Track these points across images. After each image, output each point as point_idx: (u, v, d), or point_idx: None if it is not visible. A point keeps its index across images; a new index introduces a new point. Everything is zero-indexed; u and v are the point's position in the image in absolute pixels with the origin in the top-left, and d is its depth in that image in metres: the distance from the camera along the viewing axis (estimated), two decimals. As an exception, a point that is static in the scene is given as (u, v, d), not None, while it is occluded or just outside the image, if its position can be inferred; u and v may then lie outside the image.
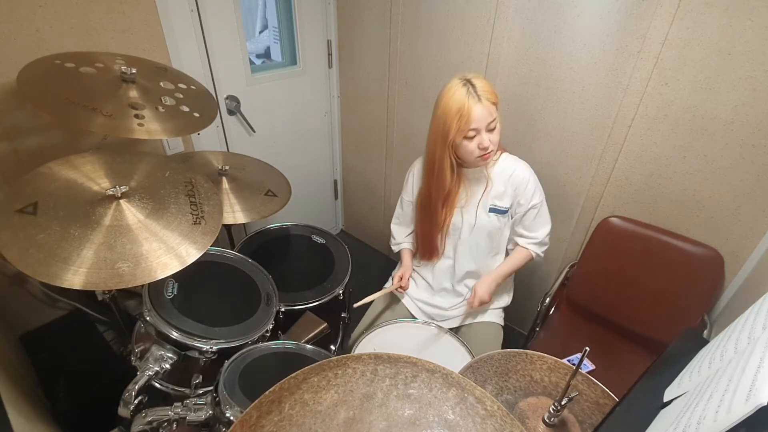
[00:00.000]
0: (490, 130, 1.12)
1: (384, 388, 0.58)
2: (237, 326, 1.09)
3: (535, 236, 1.31)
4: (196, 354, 1.02)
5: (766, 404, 0.39)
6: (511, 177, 1.24)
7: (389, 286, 1.45)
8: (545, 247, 1.35)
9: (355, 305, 1.37)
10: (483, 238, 1.31)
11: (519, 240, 1.34)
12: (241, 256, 1.29)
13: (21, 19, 1.17)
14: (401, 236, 1.49)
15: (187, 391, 1.02)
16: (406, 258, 1.46)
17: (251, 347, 1.04)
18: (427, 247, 1.38)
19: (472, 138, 1.12)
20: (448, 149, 1.15)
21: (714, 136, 1.20)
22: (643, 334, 1.41)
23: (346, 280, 1.44)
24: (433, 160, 1.19)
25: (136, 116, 1.07)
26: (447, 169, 1.18)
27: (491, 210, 1.27)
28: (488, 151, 1.13)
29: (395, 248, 1.51)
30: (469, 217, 1.28)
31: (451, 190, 1.25)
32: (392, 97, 1.98)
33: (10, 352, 1.27)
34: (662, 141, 1.29)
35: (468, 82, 1.09)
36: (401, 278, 1.40)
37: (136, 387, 0.95)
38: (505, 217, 1.29)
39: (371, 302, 1.40)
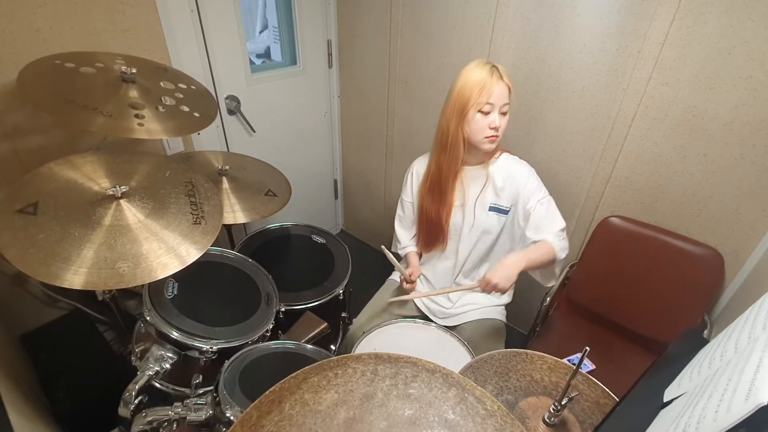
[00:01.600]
0: (503, 114, 1.13)
1: (384, 388, 0.58)
2: (237, 326, 1.09)
3: (553, 227, 1.20)
4: (196, 354, 1.02)
5: (765, 404, 0.39)
6: (510, 176, 1.24)
7: (402, 269, 1.40)
8: (566, 243, 1.21)
9: (384, 248, 1.30)
10: (483, 237, 1.31)
11: (538, 236, 1.20)
12: (241, 256, 1.29)
13: (21, 19, 1.17)
14: (406, 239, 1.48)
15: (187, 391, 1.02)
16: (414, 260, 1.44)
17: (251, 347, 1.04)
18: (432, 234, 1.35)
19: (486, 114, 1.12)
20: (463, 121, 1.15)
21: (714, 136, 1.20)
22: (644, 334, 1.41)
23: (346, 280, 1.44)
24: (447, 135, 1.19)
25: (136, 116, 1.07)
26: (461, 142, 1.18)
27: (491, 209, 1.27)
28: (497, 132, 1.13)
29: (401, 252, 1.49)
30: (469, 216, 1.28)
31: (458, 173, 1.24)
32: (392, 97, 1.98)
33: (10, 353, 1.27)
34: (662, 141, 1.29)
35: (492, 65, 1.12)
36: (411, 274, 1.36)
37: (137, 387, 0.95)
38: (507, 218, 1.28)
39: (389, 261, 1.33)
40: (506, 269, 1.11)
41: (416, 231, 1.45)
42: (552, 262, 1.20)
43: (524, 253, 1.16)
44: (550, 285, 1.33)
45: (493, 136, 1.14)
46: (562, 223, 1.22)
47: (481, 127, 1.13)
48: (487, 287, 1.12)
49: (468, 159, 1.25)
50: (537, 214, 1.22)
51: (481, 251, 1.34)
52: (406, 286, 1.39)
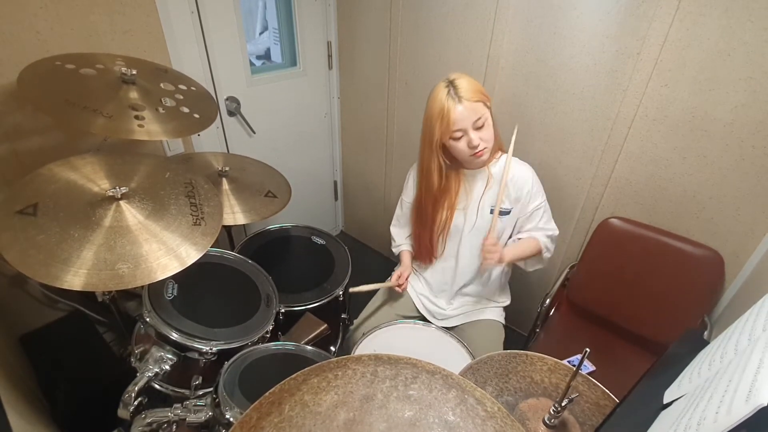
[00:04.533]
0: (478, 128, 1.12)
1: (384, 390, 0.58)
2: (237, 327, 1.09)
3: (547, 229, 1.30)
4: (195, 355, 1.02)
5: (766, 405, 0.39)
6: (513, 178, 1.24)
7: (385, 284, 1.46)
8: (553, 247, 1.33)
9: (352, 289, 1.37)
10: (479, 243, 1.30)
11: (531, 232, 1.29)
12: (241, 257, 1.29)
13: (22, 20, 1.18)
14: (401, 238, 1.49)
15: (186, 392, 1.02)
16: (406, 259, 1.46)
17: (251, 348, 1.04)
18: (422, 249, 1.39)
19: (459, 138, 1.12)
20: (435, 151, 1.16)
21: (714, 137, 1.20)
22: (644, 335, 1.41)
23: (346, 281, 1.44)
24: (422, 162, 1.22)
25: (137, 117, 1.07)
26: (434, 171, 1.19)
27: (492, 212, 1.26)
28: (479, 149, 1.13)
29: (395, 250, 1.51)
30: (471, 218, 1.28)
31: (443, 191, 1.25)
32: (392, 99, 1.98)
33: (9, 354, 1.27)
34: (662, 142, 1.29)
35: (450, 84, 1.09)
36: (399, 276, 1.40)
37: (136, 388, 0.95)
38: (509, 219, 1.29)
39: (367, 292, 1.41)
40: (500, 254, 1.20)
41: (412, 241, 1.46)
42: (535, 255, 1.31)
43: (514, 249, 1.26)
44: (530, 270, 1.39)
45: (477, 152, 1.13)
46: (556, 231, 1.31)
47: (460, 150, 1.14)
48: (494, 256, 1.18)
49: (466, 163, 1.25)
50: (534, 219, 1.29)
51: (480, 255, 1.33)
52: (398, 290, 1.41)
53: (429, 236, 1.33)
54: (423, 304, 1.45)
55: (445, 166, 1.20)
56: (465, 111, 1.08)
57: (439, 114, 1.08)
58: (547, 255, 1.34)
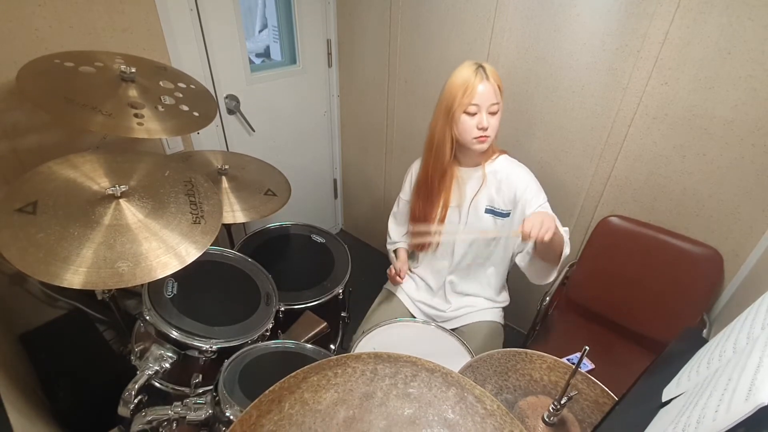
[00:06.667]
0: (492, 113, 1.12)
1: (384, 388, 0.58)
2: (237, 325, 1.09)
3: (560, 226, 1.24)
4: (195, 353, 1.02)
5: (765, 404, 0.39)
6: (508, 179, 1.22)
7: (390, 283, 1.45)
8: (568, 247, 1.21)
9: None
10: (479, 239, 1.30)
11: None
12: (241, 255, 1.29)
13: (20, 18, 1.17)
14: (398, 235, 1.48)
15: (186, 390, 1.02)
16: (403, 255, 1.45)
17: (251, 346, 1.04)
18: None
19: (472, 114, 1.11)
20: (450, 122, 1.15)
21: (714, 136, 1.20)
22: (643, 334, 1.41)
23: (346, 279, 1.44)
24: (434, 135, 1.20)
25: (136, 115, 1.07)
26: (447, 142, 1.18)
27: (487, 211, 1.26)
28: (486, 132, 1.12)
29: (391, 247, 1.49)
30: (464, 217, 1.28)
31: (448, 171, 1.23)
32: (392, 96, 1.98)
33: (9, 352, 1.27)
34: (662, 140, 1.29)
35: (479, 65, 1.11)
36: (400, 270, 1.37)
37: (136, 386, 0.95)
38: (505, 221, 1.26)
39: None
40: (543, 215, 1.00)
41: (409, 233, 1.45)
42: (560, 252, 1.12)
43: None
44: (542, 283, 1.21)
45: (482, 136, 1.13)
46: (566, 230, 1.20)
47: (468, 128, 1.13)
48: (535, 232, 0.96)
49: (462, 160, 1.25)
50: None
51: (476, 253, 1.33)
52: (399, 280, 1.38)
53: (430, 216, 1.31)
54: (420, 309, 1.45)
55: (455, 142, 1.19)
56: (489, 89, 1.09)
57: (463, 84, 1.09)
58: (567, 250, 1.14)
